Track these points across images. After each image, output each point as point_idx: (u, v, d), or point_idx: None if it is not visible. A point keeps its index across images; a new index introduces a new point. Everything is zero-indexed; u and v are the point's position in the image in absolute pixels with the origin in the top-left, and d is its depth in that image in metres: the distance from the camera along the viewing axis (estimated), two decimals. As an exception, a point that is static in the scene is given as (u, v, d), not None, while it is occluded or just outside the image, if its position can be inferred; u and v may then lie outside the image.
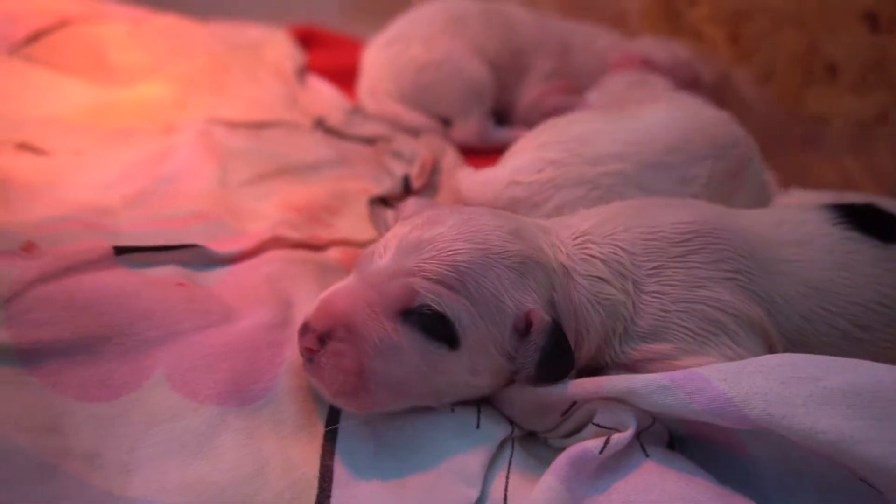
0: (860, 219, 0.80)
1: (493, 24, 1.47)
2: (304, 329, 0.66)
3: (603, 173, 0.92)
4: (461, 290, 0.66)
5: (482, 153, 1.40)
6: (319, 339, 0.65)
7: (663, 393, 0.63)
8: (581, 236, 0.75)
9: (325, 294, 0.69)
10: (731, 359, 0.70)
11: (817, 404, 0.58)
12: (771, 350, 0.74)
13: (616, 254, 0.74)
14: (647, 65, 1.40)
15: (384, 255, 0.68)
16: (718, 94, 1.42)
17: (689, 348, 0.71)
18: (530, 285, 0.69)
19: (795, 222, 0.80)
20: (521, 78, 1.50)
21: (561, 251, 0.73)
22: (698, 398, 0.62)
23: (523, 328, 0.68)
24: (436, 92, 1.40)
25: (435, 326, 0.66)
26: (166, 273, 0.80)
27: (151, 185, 1.06)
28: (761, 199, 1.02)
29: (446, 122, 1.42)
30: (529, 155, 0.96)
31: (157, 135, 1.23)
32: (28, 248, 0.78)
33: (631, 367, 0.73)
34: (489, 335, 0.67)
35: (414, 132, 1.37)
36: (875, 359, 0.65)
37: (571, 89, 1.47)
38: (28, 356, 0.66)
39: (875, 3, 1.14)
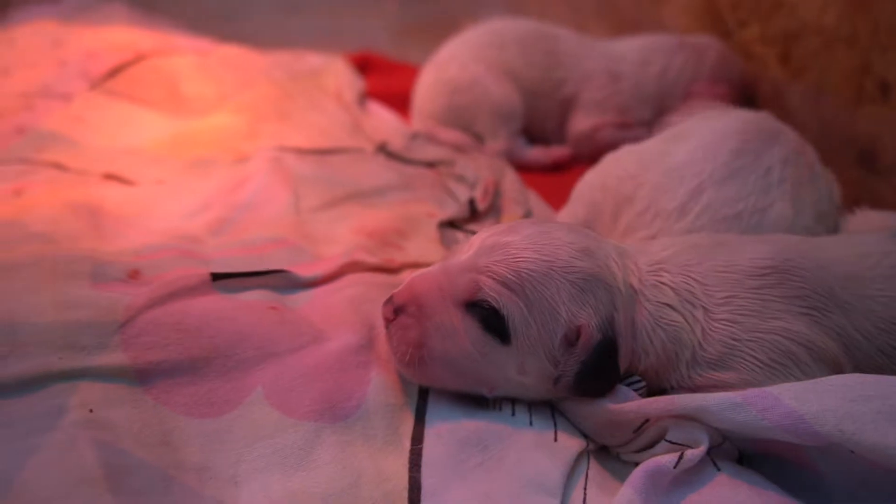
0: None
1: (534, 50, 1.52)
2: (388, 301, 0.77)
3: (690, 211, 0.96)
4: (520, 293, 0.72)
5: (537, 171, 1.48)
6: (395, 310, 0.76)
7: (735, 410, 0.67)
8: (656, 264, 0.79)
9: (411, 275, 0.78)
10: None
11: (886, 421, 0.61)
12: None
13: (688, 283, 0.77)
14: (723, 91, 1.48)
15: (465, 252, 0.76)
16: (771, 111, 1.44)
17: (756, 379, 0.74)
18: (589, 301, 0.73)
19: (880, 254, 0.80)
20: (567, 105, 1.54)
21: (633, 275, 0.77)
22: (770, 415, 0.65)
23: (573, 339, 0.73)
24: (467, 112, 1.50)
25: (490, 320, 0.73)
26: (258, 297, 0.86)
27: (230, 213, 1.12)
28: (831, 205, 1.04)
29: (480, 139, 1.51)
30: None
31: (231, 163, 1.30)
32: (134, 275, 0.84)
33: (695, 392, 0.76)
34: (539, 339, 0.73)
35: (474, 156, 1.43)
36: None
37: (626, 125, 1.51)
38: (142, 376, 0.72)
39: (928, 22, 1.16)
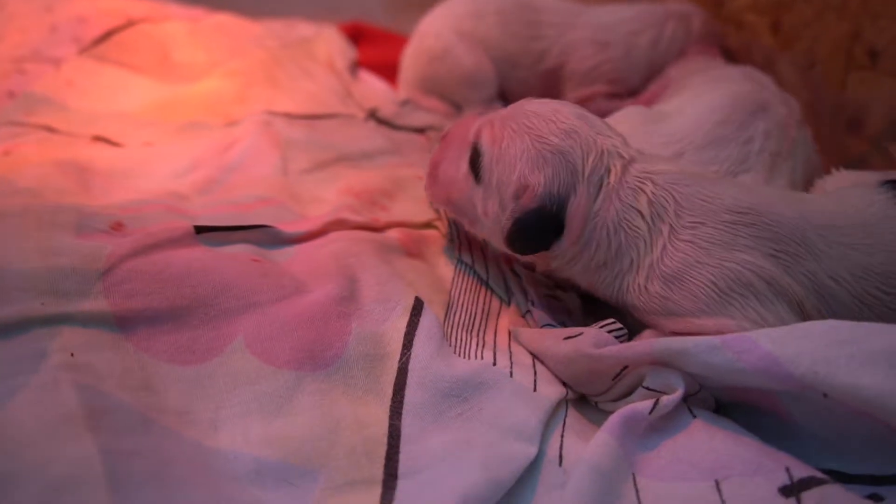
0: None
1: (514, 21, 1.50)
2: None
3: None
4: (498, 144, 0.83)
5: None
6: (442, 138, 0.94)
7: (713, 353, 0.67)
8: (647, 174, 0.80)
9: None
10: (756, 323, 0.73)
11: (859, 364, 0.61)
12: None
13: (665, 199, 0.79)
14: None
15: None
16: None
17: (711, 308, 0.75)
18: (545, 171, 0.79)
19: (863, 205, 0.81)
20: (551, 76, 1.52)
21: (615, 173, 0.80)
22: (746, 357, 0.66)
23: (520, 195, 0.80)
24: (442, 80, 1.51)
25: (474, 158, 0.86)
26: (241, 250, 0.87)
27: (218, 174, 1.12)
28: (809, 170, 1.07)
29: (458, 107, 1.53)
30: None
31: (220, 127, 1.30)
32: (117, 227, 0.85)
33: (653, 318, 0.79)
34: (498, 185, 0.82)
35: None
36: None
37: (617, 95, 1.51)
38: (123, 323, 0.72)
39: (918, -12, 1.16)
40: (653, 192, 0.79)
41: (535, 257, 0.85)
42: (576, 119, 0.83)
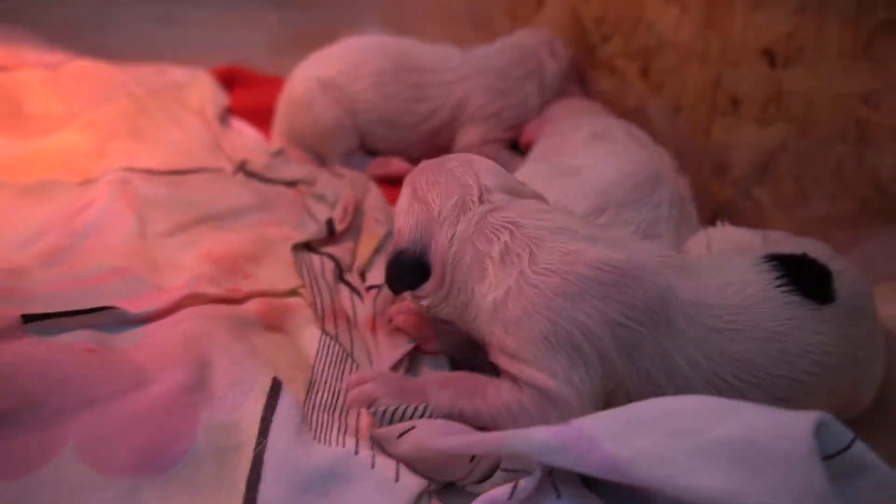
0: (799, 275, 0.80)
1: (393, 83, 1.48)
2: None
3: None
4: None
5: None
6: None
7: (555, 455, 0.64)
8: (511, 223, 0.80)
9: None
10: (578, 389, 0.72)
11: (700, 459, 0.58)
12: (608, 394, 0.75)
13: (521, 250, 0.78)
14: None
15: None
16: (634, 123, 1.48)
17: (540, 360, 0.73)
18: (409, 221, 0.84)
19: (740, 284, 0.79)
20: (441, 131, 1.51)
21: (471, 221, 0.81)
22: (589, 459, 0.63)
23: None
24: (304, 131, 1.49)
25: None
26: (78, 339, 0.80)
27: (68, 241, 1.05)
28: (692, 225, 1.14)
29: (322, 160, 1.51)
30: None
31: (74, 186, 1.22)
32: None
33: (498, 359, 0.78)
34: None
35: (337, 173, 1.39)
36: None
37: (510, 140, 1.52)
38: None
39: (771, 40, 1.20)
40: (509, 240, 0.79)
41: (410, 299, 0.88)
42: (458, 167, 0.86)
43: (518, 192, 0.86)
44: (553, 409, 0.72)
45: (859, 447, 0.57)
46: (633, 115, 1.52)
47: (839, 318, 0.79)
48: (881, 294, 1.04)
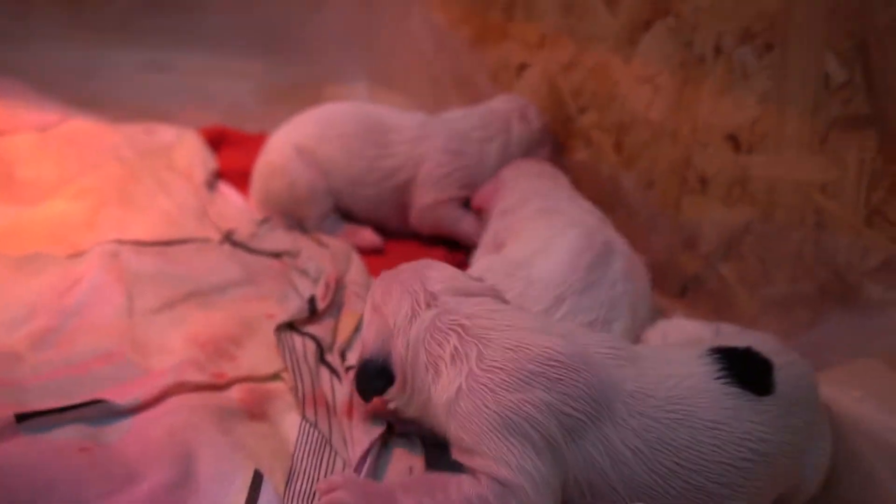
0: (741, 368, 0.85)
1: (359, 142, 1.54)
2: None
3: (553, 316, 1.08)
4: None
5: (378, 254, 1.53)
6: None
7: None
8: (457, 323, 0.86)
9: None
10: (531, 475, 0.76)
11: None
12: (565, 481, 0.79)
13: (469, 347, 0.83)
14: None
15: None
16: (608, 198, 1.54)
17: (493, 452, 0.78)
18: (373, 329, 0.91)
19: (682, 376, 0.84)
20: (404, 190, 1.57)
21: (420, 326, 0.87)
22: None
23: None
24: (280, 197, 1.54)
25: None
26: (69, 435, 0.83)
27: (57, 321, 1.08)
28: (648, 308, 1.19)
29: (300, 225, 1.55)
30: None
31: (63, 260, 1.25)
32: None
33: (456, 451, 0.83)
34: None
35: (321, 242, 1.44)
36: None
37: (463, 198, 1.57)
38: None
39: (737, 126, 1.27)
40: (457, 342, 0.84)
41: (378, 402, 0.93)
42: (408, 277, 0.92)
43: (469, 292, 0.92)
44: (512, 497, 0.76)
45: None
46: (606, 185, 1.58)
47: (778, 408, 0.84)
48: (838, 374, 1.10)
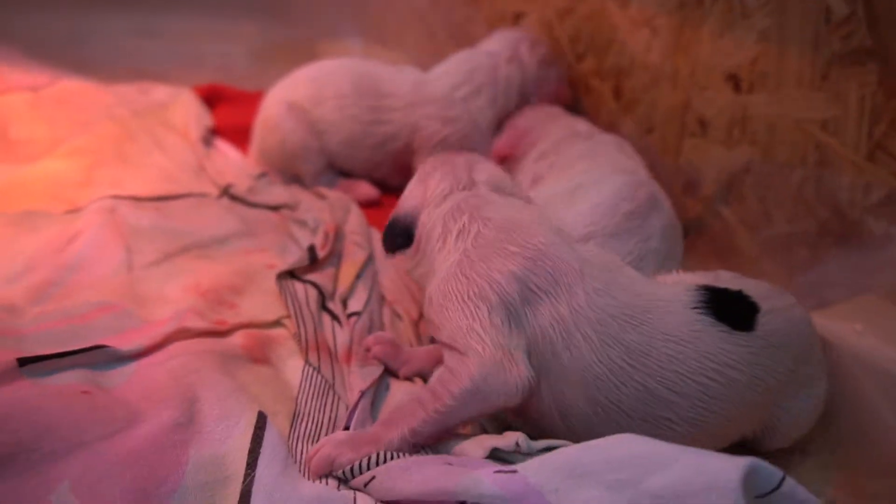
0: (723, 305, 0.85)
1: (354, 105, 1.52)
2: None
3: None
4: None
5: (376, 206, 1.52)
6: None
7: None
8: (475, 207, 0.92)
9: None
10: (479, 336, 0.81)
11: None
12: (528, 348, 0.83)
13: (471, 230, 0.90)
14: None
15: None
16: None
17: (448, 314, 0.84)
18: (409, 196, 1.01)
19: (658, 296, 0.86)
20: (403, 152, 1.56)
21: (447, 203, 0.94)
22: None
23: None
24: (274, 153, 1.54)
25: None
26: (70, 380, 0.83)
27: (56, 275, 1.08)
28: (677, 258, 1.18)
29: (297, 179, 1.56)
30: None
31: (61, 215, 1.24)
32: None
33: (432, 327, 0.89)
34: None
35: (319, 195, 1.43)
36: (683, 422, 0.77)
37: None
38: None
39: (737, 65, 1.25)
40: (468, 220, 0.91)
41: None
42: (461, 162, 1.01)
43: (506, 191, 0.98)
44: (468, 361, 0.80)
45: (789, 484, 0.62)
46: (607, 132, 1.57)
47: (755, 346, 0.84)
48: (839, 310, 1.10)
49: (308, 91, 1.54)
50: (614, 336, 0.82)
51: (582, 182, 1.20)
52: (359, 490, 0.78)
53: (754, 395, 0.85)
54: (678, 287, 0.89)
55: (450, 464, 0.75)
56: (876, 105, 1.06)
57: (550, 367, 0.82)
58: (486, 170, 1.00)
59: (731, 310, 0.85)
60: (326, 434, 0.87)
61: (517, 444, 0.78)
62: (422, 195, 0.98)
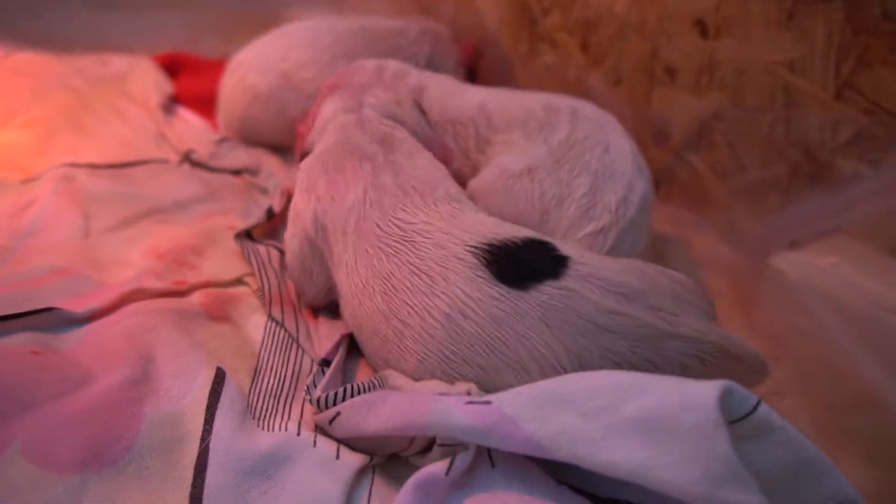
0: (509, 260, 0.78)
1: (347, 56, 1.45)
2: None
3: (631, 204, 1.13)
4: None
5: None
6: None
7: (479, 437, 0.66)
8: (344, 126, 1.00)
9: None
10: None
11: (615, 435, 0.61)
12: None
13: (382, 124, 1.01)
14: None
15: None
16: (577, 96, 1.50)
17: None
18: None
19: (441, 230, 0.82)
20: None
21: (337, 121, 1.02)
22: (511, 442, 0.65)
23: None
24: (263, 124, 1.44)
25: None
26: (21, 341, 0.80)
27: (10, 242, 1.04)
28: None
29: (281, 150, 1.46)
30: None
31: (16, 185, 1.21)
32: None
33: None
34: None
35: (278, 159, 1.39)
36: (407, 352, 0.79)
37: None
38: None
39: (702, 11, 1.23)
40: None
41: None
42: (355, 86, 1.11)
43: (393, 117, 1.04)
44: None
45: (764, 409, 0.61)
46: (574, 88, 1.54)
47: (506, 301, 0.76)
48: (810, 250, 1.10)
49: (305, 55, 1.44)
50: (378, 271, 0.83)
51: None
52: (324, 428, 0.76)
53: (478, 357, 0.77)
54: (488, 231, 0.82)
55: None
56: (843, 41, 1.04)
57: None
58: (377, 95, 1.06)
59: (517, 264, 0.78)
60: (289, 389, 0.85)
61: (468, 392, 0.76)
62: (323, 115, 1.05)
